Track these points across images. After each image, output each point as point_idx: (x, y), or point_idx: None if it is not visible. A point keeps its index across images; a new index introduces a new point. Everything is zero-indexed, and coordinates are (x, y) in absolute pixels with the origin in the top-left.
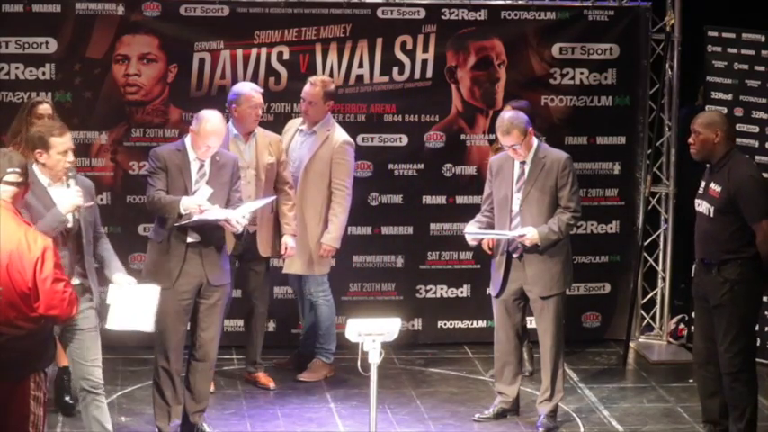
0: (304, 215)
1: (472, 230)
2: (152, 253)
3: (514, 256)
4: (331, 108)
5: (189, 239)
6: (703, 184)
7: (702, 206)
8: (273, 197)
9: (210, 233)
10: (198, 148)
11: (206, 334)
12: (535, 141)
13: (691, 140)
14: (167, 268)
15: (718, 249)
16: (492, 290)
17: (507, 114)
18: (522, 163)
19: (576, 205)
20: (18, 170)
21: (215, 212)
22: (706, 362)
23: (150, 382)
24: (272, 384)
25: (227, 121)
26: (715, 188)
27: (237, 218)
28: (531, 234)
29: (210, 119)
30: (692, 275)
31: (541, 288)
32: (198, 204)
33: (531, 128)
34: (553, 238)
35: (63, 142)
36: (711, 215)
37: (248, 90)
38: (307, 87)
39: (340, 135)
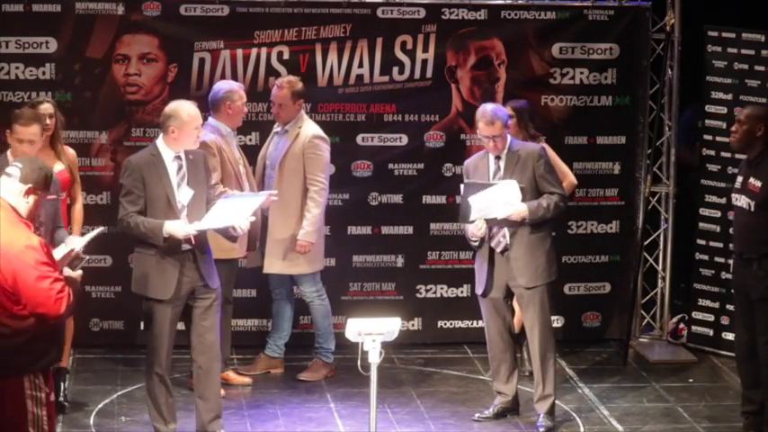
0: (282, 213)
1: (471, 207)
2: (143, 265)
3: (497, 251)
4: (301, 106)
5: (184, 247)
6: (740, 179)
7: (741, 200)
8: (267, 193)
9: (201, 237)
10: (188, 139)
11: (205, 339)
12: (509, 137)
13: (733, 129)
14: (164, 279)
15: (759, 243)
16: (477, 288)
17: (490, 105)
18: (497, 158)
19: (561, 189)
20: (18, 165)
21: (219, 221)
22: (749, 355)
23: None
24: (247, 380)
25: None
26: (755, 183)
27: (241, 223)
28: (519, 207)
29: (183, 104)
30: (731, 270)
31: (528, 278)
32: (185, 232)
33: (509, 122)
34: (540, 213)
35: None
36: (752, 209)
37: (237, 87)
38: (274, 90)
39: (310, 130)
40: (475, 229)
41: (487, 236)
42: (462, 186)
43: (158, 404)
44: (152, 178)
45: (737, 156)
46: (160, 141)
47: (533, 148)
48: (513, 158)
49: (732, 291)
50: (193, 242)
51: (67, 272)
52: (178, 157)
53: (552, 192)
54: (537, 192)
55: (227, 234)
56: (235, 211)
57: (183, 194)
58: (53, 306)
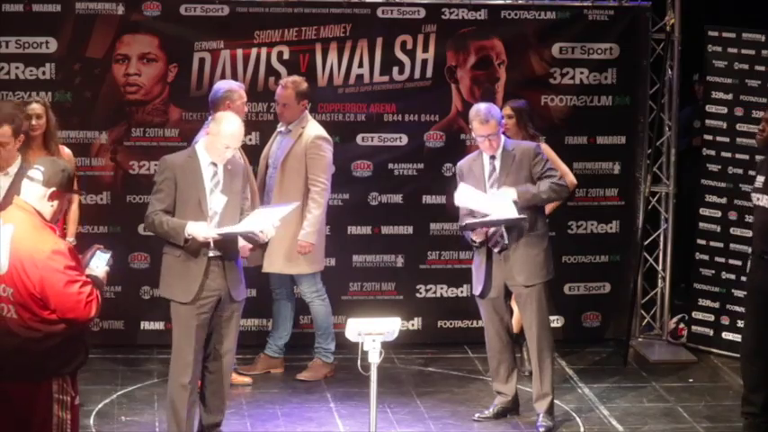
0: None
1: (464, 194)
2: (169, 267)
3: (495, 251)
4: (305, 106)
5: (210, 253)
6: (761, 178)
7: (764, 200)
8: (297, 203)
9: (230, 245)
10: (215, 150)
11: (222, 346)
12: (503, 136)
13: (761, 127)
14: (187, 283)
15: None
16: (475, 289)
17: (483, 105)
18: (492, 158)
19: (557, 177)
20: (40, 168)
21: (242, 226)
22: (754, 355)
23: (150, 382)
24: (247, 380)
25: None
26: None
27: (265, 229)
28: (509, 192)
29: (230, 119)
30: (748, 270)
31: (526, 276)
32: (206, 234)
33: (505, 122)
34: (532, 191)
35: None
36: None
37: (236, 86)
38: (279, 90)
39: (313, 130)
40: (474, 236)
41: (487, 235)
42: (456, 194)
43: (179, 418)
44: (185, 180)
45: (738, 155)
46: (200, 145)
47: (528, 146)
48: (508, 158)
49: (747, 291)
50: (212, 246)
51: (91, 270)
52: (214, 164)
53: (550, 179)
54: None
55: (253, 241)
56: (263, 219)
57: (216, 201)
58: (83, 311)
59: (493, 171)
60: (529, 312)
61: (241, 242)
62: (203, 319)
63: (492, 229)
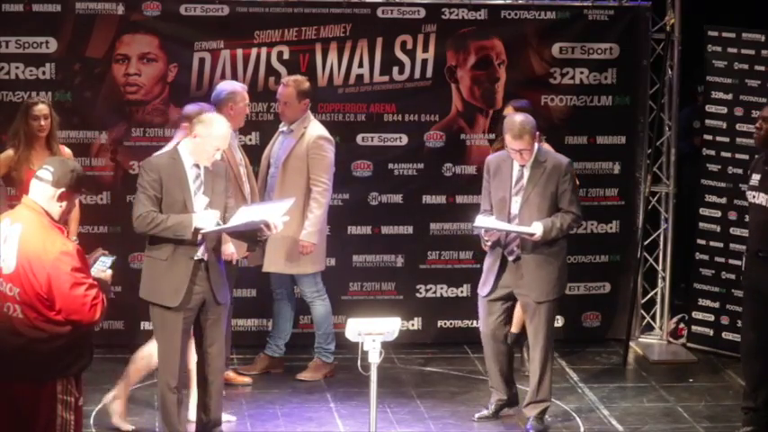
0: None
1: (483, 222)
2: (153, 271)
3: (510, 258)
4: (307, 106)
5: (197, 256)
6: (757, 176)
7: (760, 198)
8: (291, 200)
9: (215, 248)
10: (204, 153)
11: (213, 349)
12: (536, 145)
13: (757, 126)
14: (173, 286)
15: None
16: (482, 289)
17: (518, 117)
18: (522, 166)
19: (578, 210)
20: (50, 168)
21: (252, 215)
22: (753, 353)
23: (150, 382)
24: (247, 380)
25: None
26: None
27: (275, 220)
28: (538, 231)
29: (220, 120)
30: (743, 268)
31: (538, 293)
32: (215, 224)
33: (537, 132)
34: (553, 235)
35: None
36: None
37: (240, 88)
38: (280, 89)
39: (315, 130)
40: (487, 236)
41: (504, 241)
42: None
43: (171, 421)
44: (171, 181)
45: (738, 155)
46: (182, 147)
47: (560, 161)
48: (539, 169)
49: (743, 290)
50: (203, 239)
51: (96, 273)
52: (196, 166)
53: (569, 210)
54: (555, 205)
55: (254, 239)
56: (262, 213)
57: (199, 203)
58: (88, 313)
59: (520, 178)
60: (536, 325)
61: (230, 249)
62: (188, 323)
63: (512, 235)
